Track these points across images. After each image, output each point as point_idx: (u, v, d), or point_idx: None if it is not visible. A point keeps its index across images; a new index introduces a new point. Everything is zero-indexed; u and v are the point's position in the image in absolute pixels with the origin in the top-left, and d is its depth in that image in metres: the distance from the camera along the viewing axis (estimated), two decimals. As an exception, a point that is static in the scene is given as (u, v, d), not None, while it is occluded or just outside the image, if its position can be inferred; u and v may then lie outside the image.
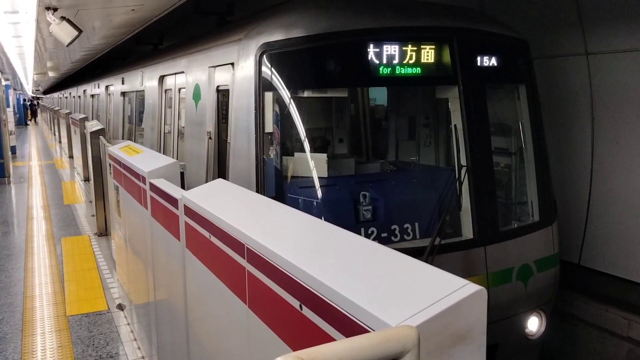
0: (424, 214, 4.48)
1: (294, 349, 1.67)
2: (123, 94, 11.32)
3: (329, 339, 1.62)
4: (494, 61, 4.60)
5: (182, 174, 4.15)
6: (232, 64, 4.70)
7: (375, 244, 1.92)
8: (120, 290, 5.96)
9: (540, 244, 4.70)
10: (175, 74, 6.92)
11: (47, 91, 48.72)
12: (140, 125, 9.57)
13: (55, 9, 6.87)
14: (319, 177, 4.31)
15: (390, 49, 4.20)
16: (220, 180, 3.32)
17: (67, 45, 8.07)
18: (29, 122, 43.29)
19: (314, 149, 4.65)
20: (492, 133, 4.60)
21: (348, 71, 4.24)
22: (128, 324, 5.34)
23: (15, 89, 38.16)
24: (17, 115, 37.34)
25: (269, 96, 4.20)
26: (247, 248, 2.20)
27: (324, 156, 4.44)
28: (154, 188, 3.72)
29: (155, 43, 11.75)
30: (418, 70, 4.30)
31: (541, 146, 4.97)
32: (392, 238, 4.30)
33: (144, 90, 8.85)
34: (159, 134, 7.78)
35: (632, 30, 5.18)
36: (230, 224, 2.37)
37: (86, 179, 12.62)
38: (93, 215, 9.28)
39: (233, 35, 4.89)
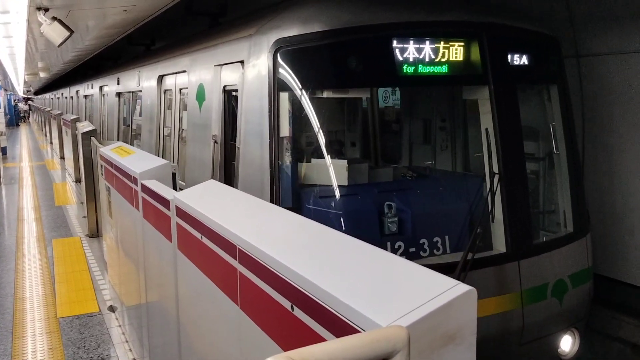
0: (454, 226, 4.15)
1: (285, 350, 1.67)
2: (118, 94, 10.99)
3: (320, 339, 1.62)
4: (525, 59, 4.27)
5: (173, 175, 4.13)
6: (242, 62, 4.37)
7: (366, 245, 1.92)
8: (112, 291, 5.93)
9: (574, 257, 4.36)
10: (176, 73, 6.60)
11: (39, 92, 48.45)
12: (136, 127, 9.28)
13: (46, 10, 6.83)
14: (340, 186, 3.97)
15: (417, 46, 3.88)
16: (211, 181, 3.32)
17: (59, 46, 8.03)
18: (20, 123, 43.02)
19: (333, 155, 4.27)
20: (523, 137, 4.31)
21: (371, 70, 3.90)
22: (119, 326, 5.32)
23: (6, 90, 37.90)
24: (8, 116, 37.10)
25: (284, 97, 3.87)
26: (239, 249, 2.20)
27: (344, 162, 4.10)
28: (145, 189, 3.71)
29: (147, 44, 11.70)
30: (446, 69, 3.99)
31: (573, 151, 4.64)
32: (421, 253, 3.97)
33: (141, 91, 8.56)
34: (157, 136, 7.45)
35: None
36: (222, 225, 2.37)
37: (77, 180, 12.55)
38: (84, 217, 9.23)
39: (242, 31, 4.56)
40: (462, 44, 4.02)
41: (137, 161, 4.32)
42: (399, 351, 1.24)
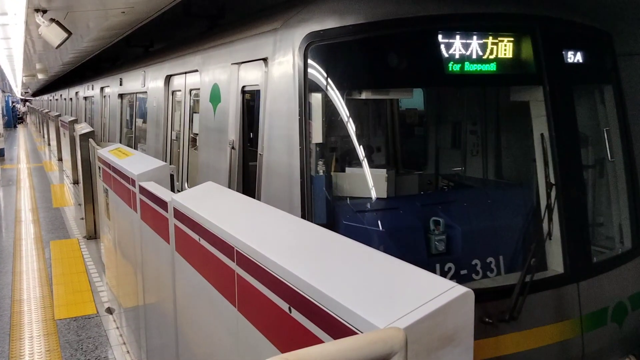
0: (509, 244, 3.74)
1: (283, 352, 1.67)
2: (121, 96, 10.47)
3: (318, 341, 1.62)
4: (580, 57, 3.87)
5: (171, 176, 4.13)
6: (265, 59, 3.97)
7: (363, 246, 1.92)
8: (109, 293, 5.92)
9: (634, 276, 3.97)
10: (186, 73, 6.19)
11: (36, 93, 48.39)
12: (141, 130, 8.90)
13: (44, 11, 6.83)
14: (379, 199, 3.57)
15: (464, 41, 3.50)
16: (210, 183, 3.31)
17: (57, 47, 8.02)
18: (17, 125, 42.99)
19: (373, 163, 3.81)
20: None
21: (415, 68, 3.52)
22: (117, 328, 5.31)
23: (3, 91, 37.87)
24: (6, 117, 37.06)
25: (317, 98, 3.48)
26: (237, 251, 2.20)
27: (383, 172, 3.65)
28: (143, 191, 3.71)
29: (146, 45, 11.68)
30: (494, 67, 3.61)
31: (631, 159, 4.20)
32: (474, 276, 3.56)
33: (146, 92, 8.06)
34: (164, 141, 6.97)
35: None
36: (220, 227, 2.37)
37: (75, 182, 12.54)
38: (82, 218, 9.22)
39: (265, 25, 4.14)
40: (513, 39, 3.63)
41: (135, 163, 4.32)
42: (396, 353, 1.25)
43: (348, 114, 3.49)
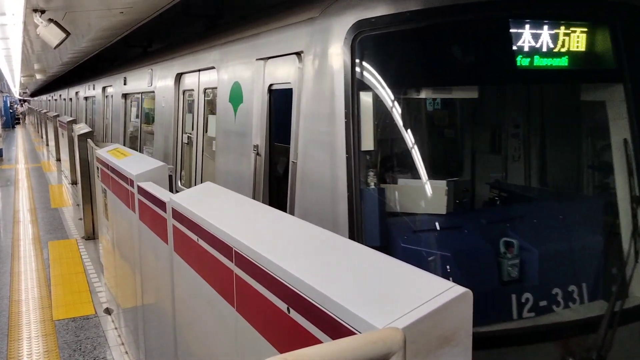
0: (589, 268, 3.23)
1: (282, 352, 1.67)
2: (125, 95, 9.95)
3: (317, 341, 1.62)
4: None
5: (170, 177, 4.12)
6: (299, 53, 3.52)
7: (362, 247, 1.92)
8: (108, 294, 5.92)
9: None
10: (200, 70, 5.74)
11: (35, 93, 48.34)
12: (147, 133, 8.51)
13: (42, 11, 6.83)
14: (439, 215, 3.04)
15: (534, 31, 3.03)
16: (208, 183, 3.31)
17: (55, 48, 8.02)
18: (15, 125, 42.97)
19: (435, 174, 3.21)
20: None
21: (482, 62, 3.07)
22: (115, 328, 5.30)
23: (2, 92, 37.83)
24: (4, 117, 37.02)
25: (366, 99, 2.98)
26: (235, 251, 2.20)
27: (442, 184, 3.10)
28: (142, 191, 3.71)
29: (144, 46, 11.67)
30: (565, 61, 3.15)
31: None
32: (554, 307, 3.02)
33: (153, 92, 7.60)
34: (174, 144, 6.51)
35: None
36: (219, 227, 2.37)
37: (74, 182, 12.52)
38: (80, 219, 9.21)
39: (298, 14, 3.66)
40: (587, 29, 3.15)
41: (134, 163, 4.32)
42: (394, 353, 1.25)
43: (404, 117, 3.01)
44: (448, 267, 2.93)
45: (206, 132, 5.67)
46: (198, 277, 2.67)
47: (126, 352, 4.82)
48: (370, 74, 2.97)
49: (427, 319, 1.40)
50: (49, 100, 31.41)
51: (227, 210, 2.71)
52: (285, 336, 1.84)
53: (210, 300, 2.52)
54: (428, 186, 3.06)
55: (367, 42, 2.96)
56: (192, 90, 6.08)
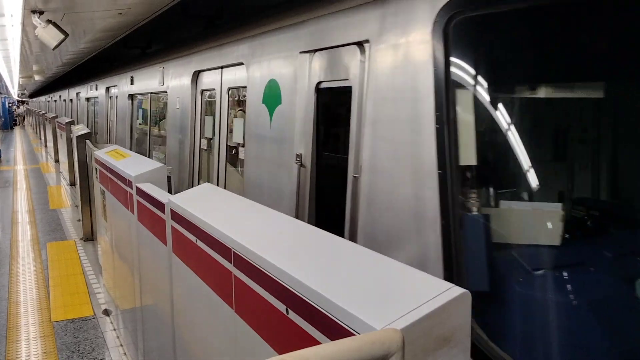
0: None
1: (280, 353, 1.67)
2: (131, 96, 9.30)
3: (315, 342, 1.62)
4: None
5: (169, 178, 4.12)
6: (361, 43, 2.92)
7: (360, 247, 1.92)
8: (106, 295, 5.91)
9: None
10: (222, 67, 5.13)
11: (33, 95, 48.30)
12: (156, 137, 8.00)
13: (41, 12, 6.83)
14: (553, 247, 2.28)
15: None
16: (207, 184, 3.31)
17: (54, 49, 8.02)
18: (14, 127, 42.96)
19: (540, 195, 2.45)
20: None
21: (610, 52, 2.35)
22: (114, 330, 5.30)
23: (0, 93, 37.82)
24: (2, 119, 37.01)
25: (465, 99, 2.31)
26: (234, 252, 2.20)
27: (557, 207, 2.33)
28: (140, 192, 3.71)
29: (143, 47, 11.66)
30: None
31: None
32: None
33: (165, 92, 6.94)
34: (191, 150, 5.89)
35: None
36: (217, 229, 2.37)
37: (72, 183, 12.51)
38: (79, 220, 9.20)
39: None
40: None
41: (132, 164, 4.31)
42: (393, 354, 1.25)
43: (515, 123, 2.35)
44: (580, 318, 2.19)
45: (230, 137, 5.11)
46: (197, 278, 2.67)
47: (125, 354, 4.82)
48: (471, 67, 2.33)
49: (426, 320, 1.40)
50: (48, 101, 31.17)
51: (225, 212, 2.71)
52: (284, 337, 1.84)
53: (208, 301, 2.52)
54: (543, 210, 2.33)
55: (465, 26, 2.30)
56: (213, 89, 5.48)
